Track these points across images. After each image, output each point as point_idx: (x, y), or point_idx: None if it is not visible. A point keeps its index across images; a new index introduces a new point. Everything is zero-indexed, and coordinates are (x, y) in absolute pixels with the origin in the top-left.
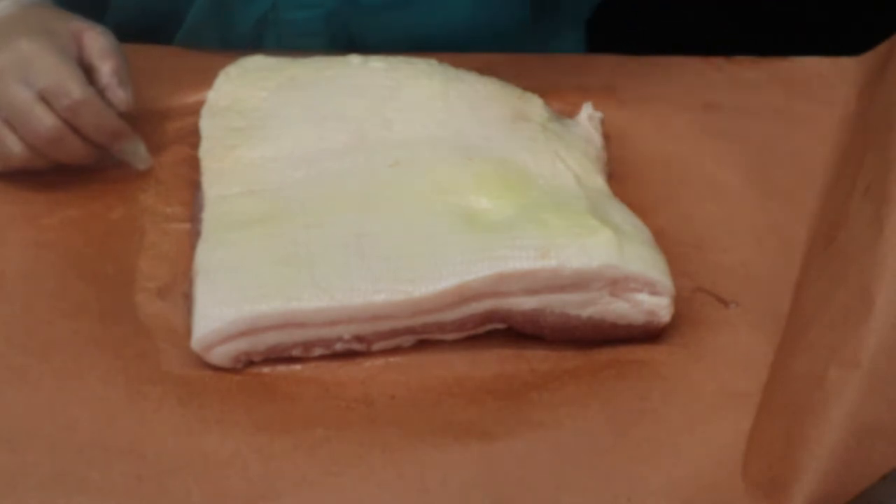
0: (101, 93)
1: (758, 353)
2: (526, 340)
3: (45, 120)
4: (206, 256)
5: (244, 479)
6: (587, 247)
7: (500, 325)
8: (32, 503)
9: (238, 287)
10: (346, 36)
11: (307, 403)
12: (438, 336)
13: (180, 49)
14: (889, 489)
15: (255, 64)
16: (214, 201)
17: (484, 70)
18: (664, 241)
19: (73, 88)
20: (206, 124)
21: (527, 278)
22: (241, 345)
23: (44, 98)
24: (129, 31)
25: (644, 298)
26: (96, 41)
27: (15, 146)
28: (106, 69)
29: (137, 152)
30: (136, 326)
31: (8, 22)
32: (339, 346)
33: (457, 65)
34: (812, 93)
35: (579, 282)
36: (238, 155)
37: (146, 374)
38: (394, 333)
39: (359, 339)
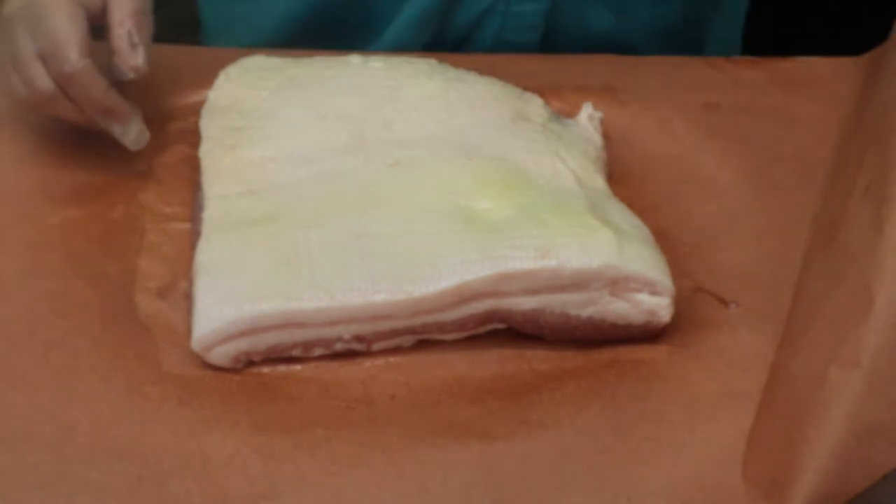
0: (112, 54)
1: (758, 353)
2: (526, 340)
3: (39, 80)
4: (206, 256)
5: (244, 479)
6: (587, 247)
7: (500, 325)
8: (32, 503)
9: (238, 287)
10: (557, 31)
11: (307, 403)
12: (438, 336)
13: (181, 48)
14: (889, 489)
15: (256, 64)
16: (214, 201)
17: (484, 70)
18: (664, 241)
19: (69, 57)
20: (207, 124)
21: (527, 278)
22: (241, 345)
23: (42, 58)
24: (337, 21)
25: (644, 298)
26: (122, 1)
27: (20, 88)
28: (121, 31)
29: (129, 132)
30: (136, 326)
31: None
32: (339, 346)
33: (457, 65)
34: (812, 93)
35: (579, 282)
36: (238, 155)
37: (146, 374)
38: (394, 333)
39: (359, 339)
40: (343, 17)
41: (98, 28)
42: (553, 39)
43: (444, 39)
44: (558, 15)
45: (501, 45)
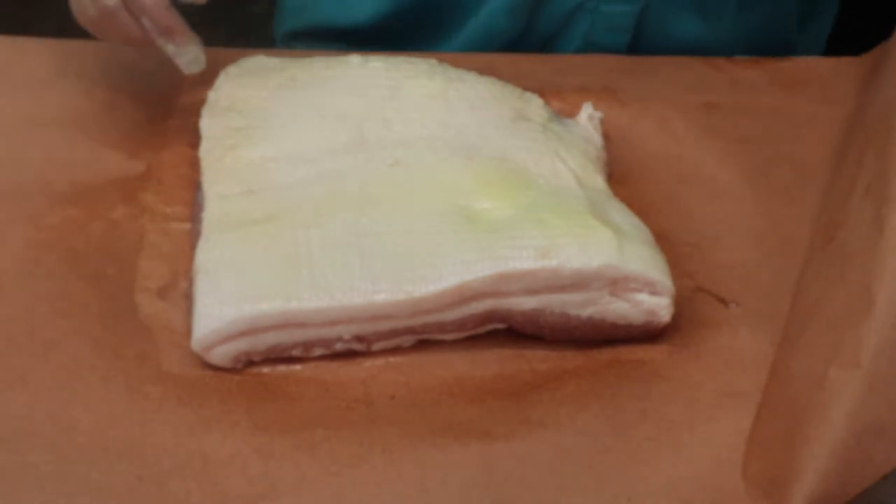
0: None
1: (758, 353)
2: (526, 340)
3: None
4: (206, 256)
5: (244, 479)
6: (587, 247)
7: (500, 325)
8: (32, 503)
9: (238, 287)
10: (645, 35)
11: (307, 403)
12: (438, 336)
13: None
14: (889, 489)
15: (256, 64)
16: (214, 201)
17: (484, 70)
18: (664, 241)
19: None
20: (207, 124)
21: (527, 278)
22: (241, 345)
23: None
24: (426, 9)
25: (644, 298)
26: None
27: (88, 6)
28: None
29: (184, 54)
30: (136, 326)
31: None
32: (339, 346)
33: (457, 65)
34: (812, 93)
35: (579, 282)
36: (238, 155)
37: (146, 374)
38: (394, 333)
39: (359, 339)
40: (431, 6)
41: None
42: (641, 43)
43: (533, 35)
44: (647, 19)
45: (590, 47)
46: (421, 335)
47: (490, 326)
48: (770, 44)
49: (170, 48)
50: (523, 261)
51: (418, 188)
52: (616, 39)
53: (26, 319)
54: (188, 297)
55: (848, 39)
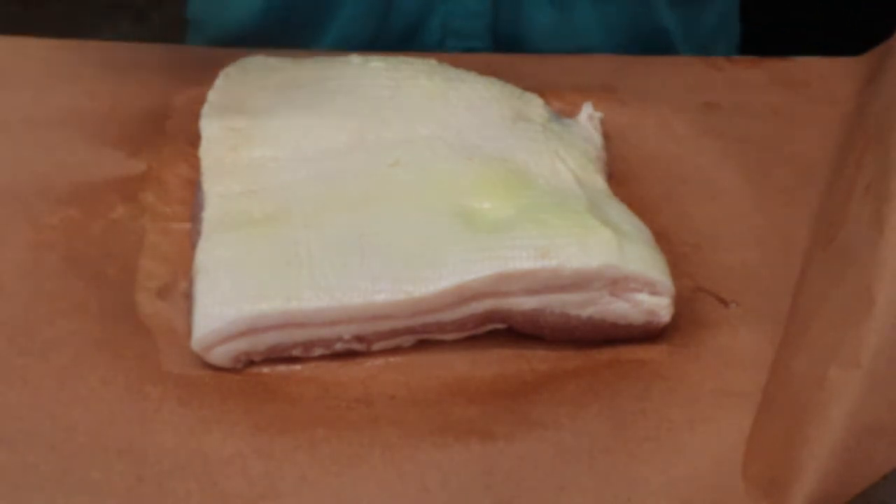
0: None
1: (758, 353)
2: (526, 340)
3: None
4: (207, 256)
5: (244, 479)
6: (587, 247)
7: (500, 325)
8: (32, 503)
9: (238, 287)
10: (509, 25)
11: (307, 403)
12: (438, 336)
13: (181, 47)
14: (889, 489)
15: (256, 64)
16: (215, 201)
17: (484, 70)
18: (664, 241)
19: None
20: (207, 124)
21: (527, 278)
22: (241, 345)
23: None
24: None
25: (644, 298)
26: None
27: None
28: None
29: None
30: (136, 326)
31: None
32: (339, 346)
33: (457, 65)
34: (812, 93)
35: (579, 282)
36: (238, 155)
37: (146, 374)
38: (394, 333)
39: (359, 339)
40: (292, 14)
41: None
42: (499, 30)
43: (393, 29)
44: (502, 5)
45: (451, 34)
46: (421, 335)
47: (490, 326)
48: (640, 34)
49: None
50: (523, 261)
51: (418, 188)
52: (474, 25)
53: (26, 319)
54: (188, 297)
55: (848, 39)
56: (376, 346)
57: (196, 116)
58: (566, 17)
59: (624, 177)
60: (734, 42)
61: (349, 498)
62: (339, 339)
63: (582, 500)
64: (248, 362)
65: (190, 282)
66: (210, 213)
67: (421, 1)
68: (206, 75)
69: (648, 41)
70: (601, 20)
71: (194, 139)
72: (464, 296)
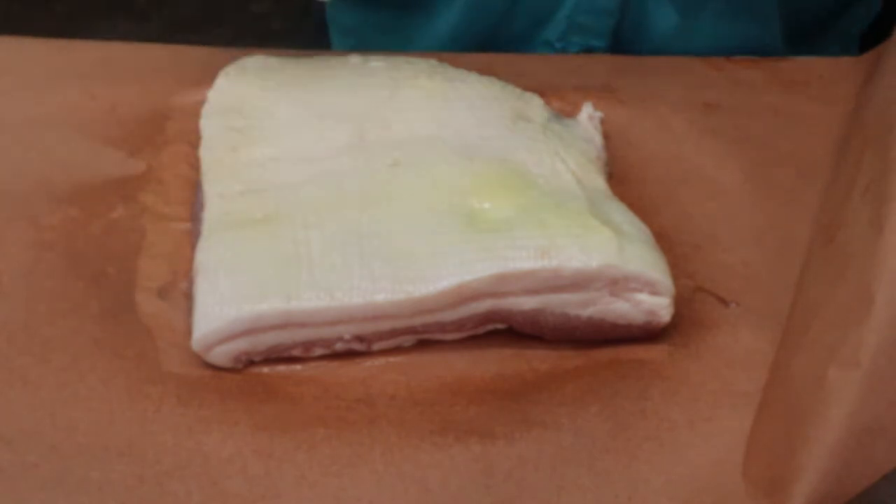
0: None
1: (758, 353)
2: (526, 340)
3: None
4: (206, 256)
5: (244, 479)
6: (587, 247)
7: (500, 325)
8: (32, 503)
9: (238, 287)
10: (632, 28)
11: (307, 403)
12: (438, 336)
13: (181, 47)
14: (889, 489)
15: (256, 63)
16: (215, 201)
17: (484, 70)
18: (664, 241)
19: None
20: (207, 123)
21: (527, 278)
22: (241, 345)
23: None
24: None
25: (644, 298)
26: None
27: None
28: None
29: None
30: (136, 326)
31: None
32: (339, 346)
33: (457, 65)
34: (812, 93)
35: (579, 282)
36: (238, 154)
37: (146, 374)
38: (394, 333)
39: (359, 338)
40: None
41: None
42: (623, 30)
43: (521, 16)
44: (629, 5)
45: (574, 28)
46: (421, 335)
47: (490, 326)
48: (757, 46)
49: None
50: (523, 261)
51: (418, 188)
52: (601, 22)
53: (26, 319)
54: (188, 297)
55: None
56: (376, 346)
57: (196, 116)
58: (689, 25)
59: (624, 177)
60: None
61: (349, 498)
62: (339, 339)
63: (582, 500)
64: (248, 362)
65: (190, 282)
66: (210, 213)
67: None
68: (206, 75)
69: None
70: (722, 32)
71: (194, 139)
72: (464, 296)
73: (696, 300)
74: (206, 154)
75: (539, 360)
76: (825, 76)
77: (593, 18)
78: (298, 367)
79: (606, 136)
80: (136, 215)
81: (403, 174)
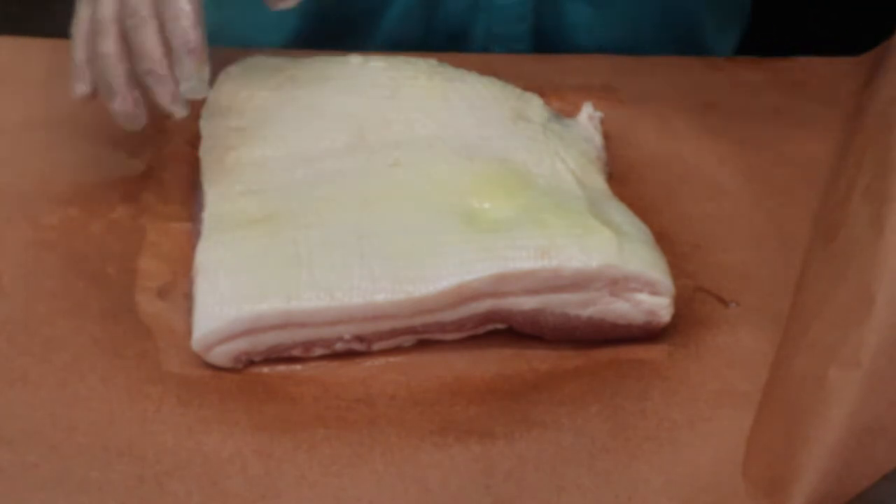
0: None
1: (758, 353)
2: (526, 340)
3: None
4: (206, 256)
5: (244, 479)
6: (587, 247)
7: (500, 325)
8: (32, 503)
9: (238, 287)
10: (549, 26)
11: (307, 403)
12: (438, 336)
13: None
14: (889, 489)
15: (256, 64)
16: (215, 201)
17: (484, 70)
18: (664, 241)
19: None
20: (207, 124)
21: (527, 278)
22: (241, 345)
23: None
24: (330, 23)
25: (644, 298)
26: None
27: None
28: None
29: (192, 79)
30: (136, 326)
31: None
32: (339, 346)
33: (457, 65)
34: (812, 93)
35: (579, 282)
36: (238, 154)
37: (146, 374)
38: (394, 333)
39: (359, 338)
40: (336, 20)
41: None
42: (542, 32)
43: (437, 35)
44: (544, 7)
45: (493, 39)
46: (421, 335)
47: (490, 326)
48: (677, 37)
49: (184, 68)
50: (523, 261)
51: (418, 188)
52: (517, 30)
53: (26, 319)
54: (188, 297)
55: (848, 40)
56: (376, 346)
57: (196, 116)
58: (603, 15)
59: (624, 177)
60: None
61: (349, 498)
62: (339, 339)
63: (582, 500)
64: (248, 362)
65: (190, 282)
66: (210, 213)
67: (463, 11)
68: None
69: (681, 35)
70: (636, 15)
71: (194, 139)
72: (464, 296)
73: (696, 300)
74: (206, 154)
75: (539, 360)
76: (825, 76)
77: (509, 27)
78: (298, 367)
79: (606, 136)
80: (136, 215)
81: (403, 174)
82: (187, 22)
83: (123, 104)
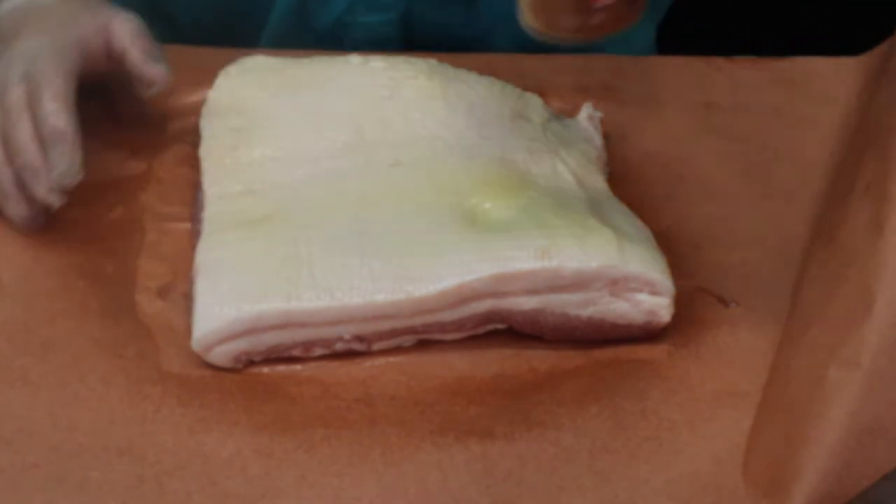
0: (133, 77)
1: (758, 353)
2: (526, 340)
3: None
4: (206, 256)
5: (244, 479)
6: (587, 247)
7: (500, 325)
8: (32, 503)
9: (238, 287)
10: (419, 42)
11: (307, 403)
12: (438, 336)
13: (181, 48)
14: (889, 489)
15: (256, 63)
16: (215, 201)
17: (484, 70)
18: (664, 241)
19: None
20: (207, 124)
21: (527, 278)
22: (241, 345)
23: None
24: (208, 30)
25: (644, 298)
26: (124, 27)
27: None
28: (136, 53)
29: (63, 165)
30: (136, 326)
31: (39, 12)
32: (339, 346)
33: (457, 65)
34: (812, 93)
35: (579, 282)
36: (238, 154)
37: (146, 374)
38: (394, 333)
39: (359, 338)
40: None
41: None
42: (414, 38)
43: (315, 48)
44: (413, 17)
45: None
46: (421, 335)
47: (490, 326)
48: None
49: (55, 155)
50: (523, 261)
51: (418, 188)
52: (388, 48)
53: (26, 319)
54: (188, 297)
55: (848, 39)
56: (376, 346)
57: (196, 116)
58: (470, 14)
59: (624, 177)
60: None
61: (349, 498)
62: (339, 339)
63: (582, 500)
64: (248, 362)
65: (190, 282)
66: (210, 213)
67: (328, 25)
68: (206, 75)
69: None
70: (499, 16)
71: (194, 139)
72: (464, 296)
73: (696, 300)
74: (206, 154)
75: (539, 360)
76: (825, 76)
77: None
78: (298, 367)
79: (606, 136)
80: (136, 215)
81: (403, 174)
82: (53, 107)
83: (17, 207)
